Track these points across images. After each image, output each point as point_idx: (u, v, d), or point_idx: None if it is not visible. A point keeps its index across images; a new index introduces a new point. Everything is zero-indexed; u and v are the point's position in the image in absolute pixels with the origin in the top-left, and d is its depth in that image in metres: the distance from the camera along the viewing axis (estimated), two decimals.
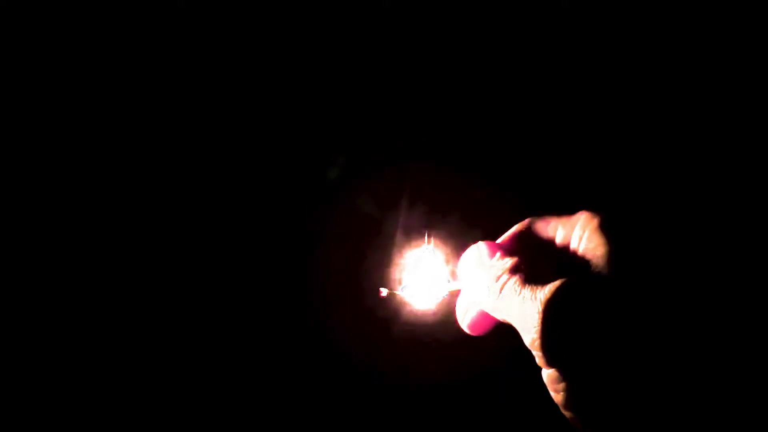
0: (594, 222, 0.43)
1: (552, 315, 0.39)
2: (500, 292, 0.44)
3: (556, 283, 0.40)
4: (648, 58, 0.95)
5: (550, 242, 0.47)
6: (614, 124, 0.96)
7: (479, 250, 0.49)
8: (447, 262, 0.55)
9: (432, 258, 0.55)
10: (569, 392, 0.39)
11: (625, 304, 0.39)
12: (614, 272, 0.40)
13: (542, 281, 0.41)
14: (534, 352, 0.41)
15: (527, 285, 0.42)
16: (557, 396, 0.40)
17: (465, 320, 0.50)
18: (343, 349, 0.92)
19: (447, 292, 0.54)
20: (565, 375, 0.39)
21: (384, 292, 0.55)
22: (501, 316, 0.45)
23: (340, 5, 0.99)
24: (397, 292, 0.55)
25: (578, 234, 0.44)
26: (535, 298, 0.41)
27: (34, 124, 0.99)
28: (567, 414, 0.40)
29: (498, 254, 0.47)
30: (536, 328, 0.40)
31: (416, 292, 0.55)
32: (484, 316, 0.48)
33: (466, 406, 0.94)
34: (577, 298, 0.39)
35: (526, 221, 0.50)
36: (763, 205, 0.82)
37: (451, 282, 0.53)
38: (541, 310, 0.40)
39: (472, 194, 0.94)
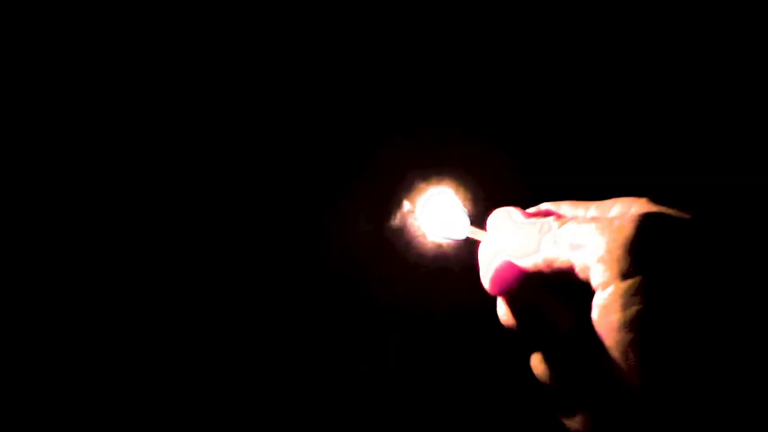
0: (642, 200, 0.42)
1: (642, 224, 0.38)
2: (561, 228, 0.42)
3: (639, 209, 0.40)
4: (647, 55, 0.97)
5: None
6: (609, 118, 0.98)
7: (511, 211, 0.48)
8: (465, 206, 0.55)
9: (449, 199, 0.54)
10: (645, 305, 0.36)
11: (711, 235, 0.38)
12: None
13: None
14: (602, 267, 0.38)
15: (593, 220, 0.41)
16: (623, 314, 0.37)
17: (489, 272, 0.48)
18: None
19: (465, 236, 0.53)
20: (646, 284, 0.37)
21: (407, 207, 0.55)
22: (552, 254, 0.42)
23: (340, 5, 1.00)
24: (416, 214, 0.55)
25: (621, 211, 0.43)
26: (612, 223, 0.39)
27: (33, 124, 0.98)
28: (626, 336, 0.36)
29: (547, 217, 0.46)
30: (619, 239, 0.38)
31: (433, 223, 0.54)
32: (509, 269, 0.46)
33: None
34: (663, 217, 0.39)
35: (549, 204, 0.49)
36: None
37: (473, 231, 0.53)
38: (633, 218, 0.38)
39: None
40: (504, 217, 0.48)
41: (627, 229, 0.38)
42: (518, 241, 0.45)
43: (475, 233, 0.52)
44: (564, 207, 0.48)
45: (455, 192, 0.55)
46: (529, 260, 0.44)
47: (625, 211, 0.43)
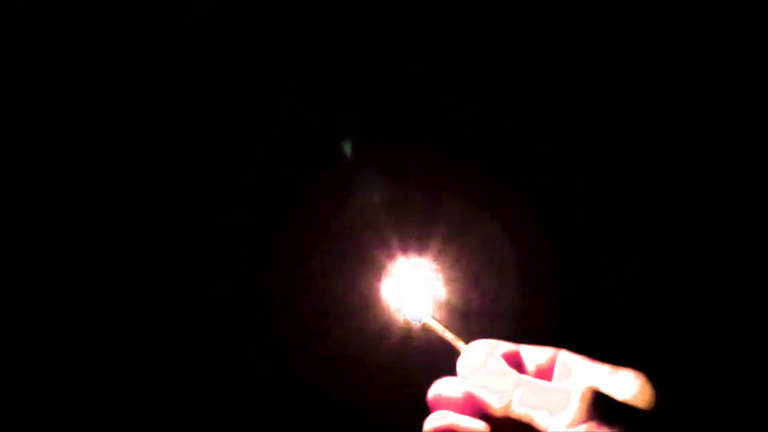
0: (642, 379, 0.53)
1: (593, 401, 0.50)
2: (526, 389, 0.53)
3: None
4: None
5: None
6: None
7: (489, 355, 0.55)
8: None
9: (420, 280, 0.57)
10: None
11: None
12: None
13: None
14: (566, 416, 0.49)
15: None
16: None
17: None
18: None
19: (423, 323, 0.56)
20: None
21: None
22: (523, 410, 0.52)
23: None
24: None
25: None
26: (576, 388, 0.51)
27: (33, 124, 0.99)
28: None
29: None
30: (580, 398, 0.49)
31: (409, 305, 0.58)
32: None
33: None
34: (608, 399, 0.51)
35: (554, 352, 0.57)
36: None
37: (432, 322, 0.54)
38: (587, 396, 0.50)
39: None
40: (481, 358, 0.55)
41: (584, 402, 0.50)
42: (493, 384, 0.54)
43: (432, 324, 0.54)
44: (529, 352, 0.57)
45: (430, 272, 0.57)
46: (500, 405, 0.53)
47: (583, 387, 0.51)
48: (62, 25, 0.97)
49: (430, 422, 0.55)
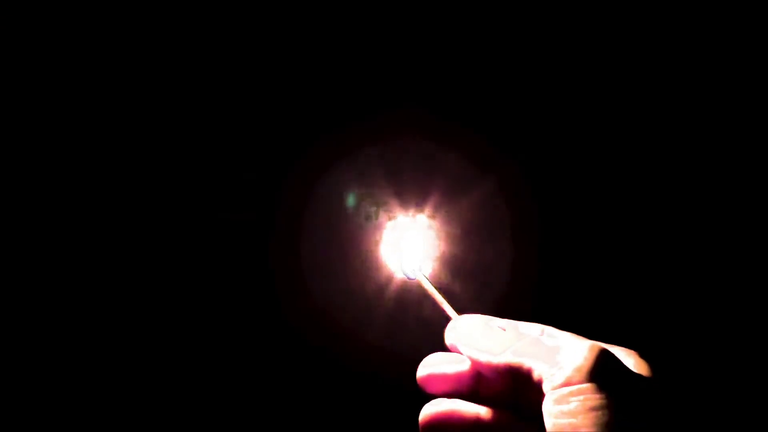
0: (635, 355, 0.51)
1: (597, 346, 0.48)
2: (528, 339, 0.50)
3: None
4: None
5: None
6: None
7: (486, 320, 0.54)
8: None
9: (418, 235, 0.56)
10: (607, 405, 0.45)
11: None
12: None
13: None
14: (569, 368, 0.46)
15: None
16: (584, 402, 0.45)
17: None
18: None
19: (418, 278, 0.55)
20: (604, 386, 0.46)
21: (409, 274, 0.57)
22: (519, 358, 0.49)
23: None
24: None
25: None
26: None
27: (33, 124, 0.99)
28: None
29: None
30: (584, 353, 0.47)
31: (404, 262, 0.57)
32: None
33: None
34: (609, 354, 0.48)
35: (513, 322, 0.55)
36: None
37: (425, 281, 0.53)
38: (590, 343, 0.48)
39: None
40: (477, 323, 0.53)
41: (590, 357, 0.47)
42: (488, 341, 0.51)
43: (425, 284, 0.52)
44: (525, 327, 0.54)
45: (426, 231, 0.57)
46: (496, 354, 0.50)
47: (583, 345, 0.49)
48: (62, 25, 0.98)
49: (427, 409, 0.52)
